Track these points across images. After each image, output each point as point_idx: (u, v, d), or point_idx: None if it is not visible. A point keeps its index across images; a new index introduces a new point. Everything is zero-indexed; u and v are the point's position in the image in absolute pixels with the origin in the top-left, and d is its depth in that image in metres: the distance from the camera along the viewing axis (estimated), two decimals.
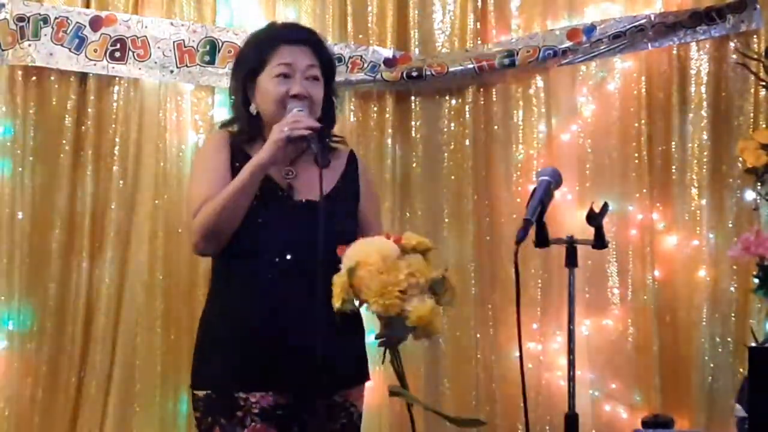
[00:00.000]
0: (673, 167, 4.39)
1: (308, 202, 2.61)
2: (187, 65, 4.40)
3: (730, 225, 4.32)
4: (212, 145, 2.75)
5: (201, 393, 2.63)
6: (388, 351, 2.49)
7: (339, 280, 2.34)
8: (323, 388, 2.56)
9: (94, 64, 4.41)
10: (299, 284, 2.52)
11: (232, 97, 2.77)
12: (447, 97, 4.49)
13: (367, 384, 2.81)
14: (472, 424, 2.70)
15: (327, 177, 2.59)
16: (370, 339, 2.68)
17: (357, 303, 2.37)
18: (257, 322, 2.54)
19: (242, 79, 2.71)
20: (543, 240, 2.44)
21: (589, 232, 2.49)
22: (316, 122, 2.58)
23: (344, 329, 2.48)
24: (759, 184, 4.15)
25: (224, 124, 2.81)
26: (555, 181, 2.48)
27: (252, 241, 2.57)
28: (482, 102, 4.48)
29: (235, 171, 2.59)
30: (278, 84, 2.64)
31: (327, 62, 2.74)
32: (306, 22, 4.47)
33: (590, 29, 4.33)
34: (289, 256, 2.55)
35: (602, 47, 4.34)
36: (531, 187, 2.50)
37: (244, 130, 2.70)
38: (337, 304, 2.35)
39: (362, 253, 2.35)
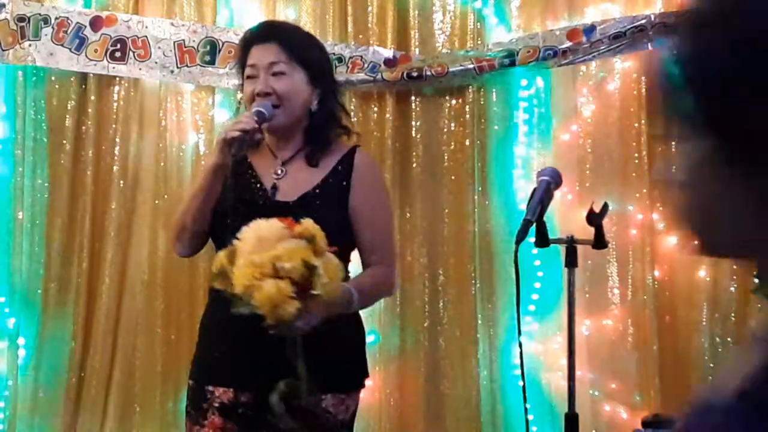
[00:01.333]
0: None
1: (284, 203, 2.62)
2: (187, 65, 4.40)
3: None
4: (210, 152, 2.82)
5: (190, 383, 2.73)
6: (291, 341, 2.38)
7: (216, 257, 2.31)
8: (287, 395, 2.58)
9: (95, 64, 4.41)
10: None
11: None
12: (447, 97, 4.50)
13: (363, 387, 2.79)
14: None
15: (312, 175, 2.64)
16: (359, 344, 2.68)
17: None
18: (226, 321, 2.54)
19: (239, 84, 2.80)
20: (543, 240, 2.44)
21: (589, 232, 2.50)
22: (252, 124, 2.56)
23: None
24: None
25: None
26: (555, 181, 2.48)
27: (231, 241, 2.59)
28: (482, 102, 4.48)
29: (233, 174, 2.61)
30: (248, 85, 2.69)
31: (297, 52, 2.67)
32: (306, 22, 4.48)
33: (590, 29, 4.33)
34: None
35: (602, 47, 4.34)
36: (531, 187, 2.50)
37: None
38: (214, 281, 2.33)
39: (246, 232, 2.30)
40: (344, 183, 2.68)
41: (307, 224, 2.30)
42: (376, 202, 2.70)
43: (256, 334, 2.51)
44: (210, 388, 2.65)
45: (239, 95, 2.93)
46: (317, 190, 2.65)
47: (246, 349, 2.57)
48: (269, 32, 2.74)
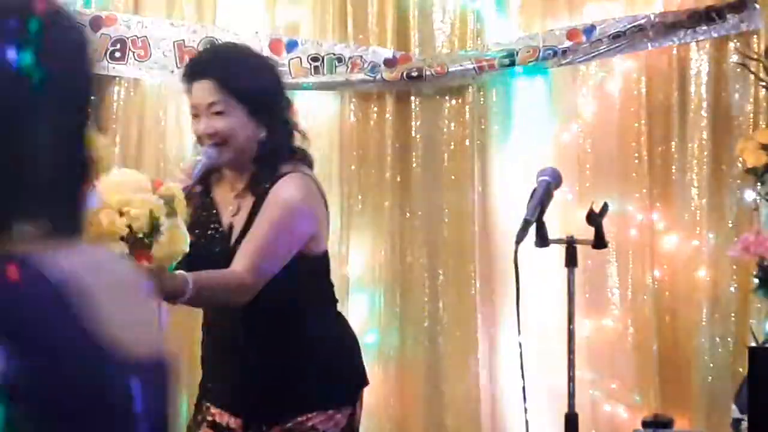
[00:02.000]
0: (673, 167, 4.39)
1: (232, 248, 2.58)
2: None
3: (730, 225, 4.32)
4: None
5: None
6: None
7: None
8: (273, 416, 2.59)
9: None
10: (250, 319, 2.58)
11: None
12: (447, 97, 4.49)
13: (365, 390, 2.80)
14: None
15: (241, 215, 2.62)
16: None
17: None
18: (210, 353, 2.67)
19: None
20: (543, 240, 2.44)
21: (589, 232, 2.49)
22: (186, 180, 2.53)
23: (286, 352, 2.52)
24: (759, 184, 4.15)
25: None
26: (555, 181, 2.48)
27: None
28: (482, 102, 4.48)
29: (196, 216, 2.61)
30: (193, 124, 2.65)
31: (234, 88, 2.58)
32: (306, 22, 4.49)
33: (590, 29, 4.33)
34: None
35: (602, 47, 4.33)
36: (531, 187, 2.50)
37: None
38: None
39: (111, 176, 2.25)
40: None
41: (173, 187, 2.30)
42: (264, 218, 2.57)
43: (239, 357, 2.57)
44: (206, 403, 2.70)
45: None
46: (242, 236, 2.60)
47: (232, 373, 2.63)
48: (205, 67, 2.65)
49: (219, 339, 2.67)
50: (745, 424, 3.46)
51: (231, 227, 2.63)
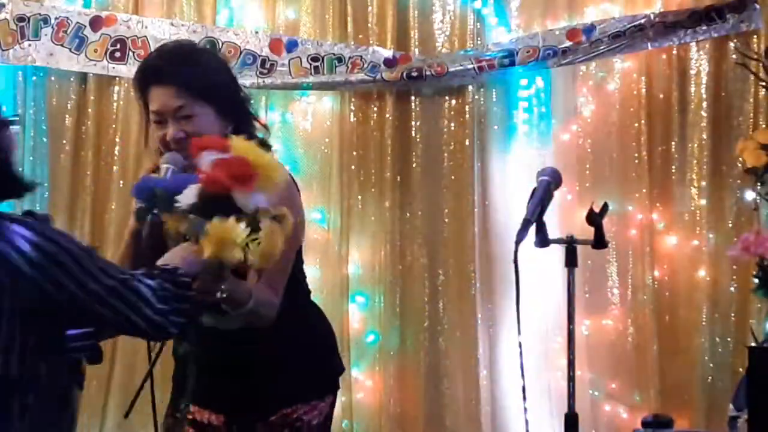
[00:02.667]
0: (673, 167, 4.39)
1: None
2: None
3: (730, 225, 4.32)
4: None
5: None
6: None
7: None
8: (257, 411, 2.58)
9: (95, 65, 4.41)
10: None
11: None
12: (447, 97, 4.50)
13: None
14: None
15: None
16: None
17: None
18: (187, 350, 2.57)
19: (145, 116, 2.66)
20: (543, 240, 2.43)
21: (589, 232, 2.49)
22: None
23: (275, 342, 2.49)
24: (759, 184, 4.15)
25: None
26: (555, 181, 2.48)
27: None
28: (482, 102, 4.48)
29: None
30: (157, 130, 2.54)
31: (199, 90, 2.51)
32: (306, 22, 4.49)
33: (590, 29, 4.33)
34: None
35: (602, 47, 4.34)
36: (531, 187, 2.49)
37: None
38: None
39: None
40: None
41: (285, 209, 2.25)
42: None
43: (220, 352, 2.55)
44: (184, 402, 2.63)
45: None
46: None
47: (212, 370, 2.56)
48: (165, 72, 2.55)
49: (199, 332, 2.63)
50: (740, 422, 3.46)
51: None
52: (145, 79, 2.57)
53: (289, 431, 2.60)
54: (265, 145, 2.60)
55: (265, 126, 2.71)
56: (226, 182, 2.11)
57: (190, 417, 2.65)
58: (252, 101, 2.68)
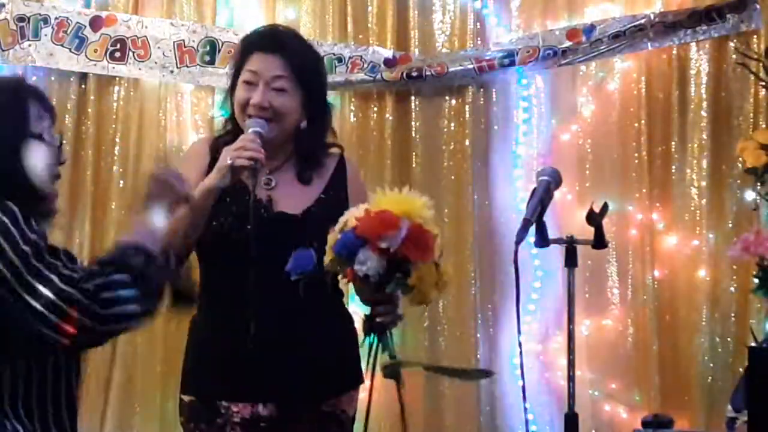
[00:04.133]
0: (673, 167, 4.39)
1: (288, 216, 2.60)
2: (187, 65, 4.40)
3: (730, 225, 4.32)
4: (186, 155, 2.82)
5: (186, 398, 2.65)
6: (379, 340, 2.40)
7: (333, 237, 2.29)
8: (308, 400, 2.59)
9: (95, 65, 4.41)
10: (282, 297, 2.49)
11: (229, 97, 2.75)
12: (447, 97, 4.49)
13: (363, 385, 2.79)
14: (480, 375, 2.68)
15: (307, 189, 2.64)
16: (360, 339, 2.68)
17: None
18: (241, 333, 2.51)
19: (230, 82, 2.71)
20: (543, 240, 2.43)
21: (589, 232, 2.49)
22: (261, 152, 2.48)
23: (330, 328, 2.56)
24: (759, 184, 4.14)
25: (223, 125, 2.81)
26: (555, 181, 2.48)
27: (233, 256, 2.55)
28: (482, 102, 4.48)
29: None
30: (243, 90, 2.61)
31: (301, 71, 2.62)
32: (306, 22, 4.48)
33: (590, 29, 4.33)
34: (269, 270, 2.45)
35: (602, 47, 4.34)
36: (531, 187, 2.49)
37: (228, 132, 2.71)
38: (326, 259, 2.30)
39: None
40: (343, 195, 2.67)
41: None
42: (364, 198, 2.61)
43: (266, 347, 2.53)
44: (224, 403, 2.59)
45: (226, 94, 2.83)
46: (320, 205, 2.63)
47: (261, 363, 2.54)
48: (278, 43, 2.65)
49: (263, 331, 2.56)
50: (738, 423, 3.46)
51: (270, 199, 2.61)
52: (253, 44, 2.66)
53: (336, 424, 2.63)
54: (331, 145, 2.73)
55: (334, 133, 2.81)
56: (419, 257, 2.34)
57: (236, 419, 2.58)
58: (334, 108, 2.83)
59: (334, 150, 2.76)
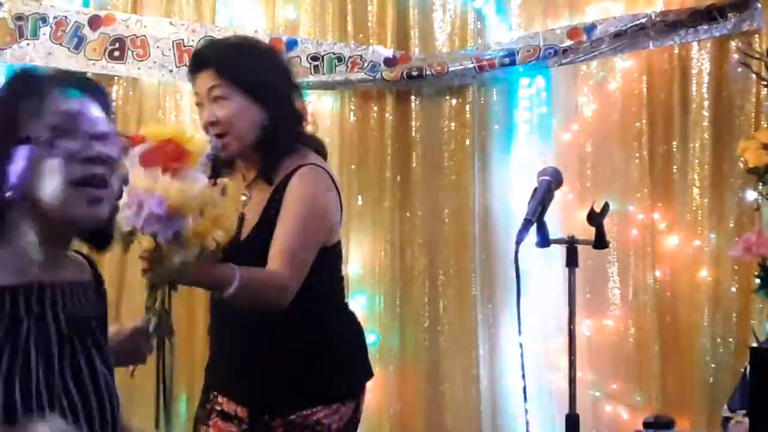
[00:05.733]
0: (674, 167, 4.38)
1: (243, 242, 2.57)
2: (186, 65, 4.38)
3: (732, 225, 4.31)
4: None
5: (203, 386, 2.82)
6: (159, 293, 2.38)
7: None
8: (277, 408, 2.61)
9: (93, 64, 4.40)
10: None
11: None
12: (447, 97, 4.49)
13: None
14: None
15: (265, 200, 2.60)
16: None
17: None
18: (218, 341, 2.74)
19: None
20: (543, 240, 2.42)
21: (590, 232, 2.48)
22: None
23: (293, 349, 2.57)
24: (760, 184, 4.13)
25: None
26: (555, 180, 2.47)
27: None
28: (482, 102, 4.47)
29: None
30: (199, 116, 2.69)
31: (231, 71, 2.59)
32: (305, 21, 4.48)
33: (591, 28, 4.32)
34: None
35: (603, 46, 4.32)
36: (532, 187, 2.48)
37: None
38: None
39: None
40: (277, 210, 2.58)
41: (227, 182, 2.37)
42: (289, 214, 2.54)
43: (249, 344, 2.57)
44: (214, 392, 2.74)
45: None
46: (258, 229, 2.59)
47: (238, 368, 2.65)
48: (205, 58, 2.66)
49: (228, 325, 2.67)
50: (732, 423, 3.44)
51: (242, 219, 2.61)
52: (192, 67, 2.70)
53: None
54: (310, 142, 2.67)
55: (313, 123, 2.80)
56: (163, 165, 2.18)
57: (218, 408, 2.69)
58: (302, 97, 2.73)
59: (301, 161, 2.62)
